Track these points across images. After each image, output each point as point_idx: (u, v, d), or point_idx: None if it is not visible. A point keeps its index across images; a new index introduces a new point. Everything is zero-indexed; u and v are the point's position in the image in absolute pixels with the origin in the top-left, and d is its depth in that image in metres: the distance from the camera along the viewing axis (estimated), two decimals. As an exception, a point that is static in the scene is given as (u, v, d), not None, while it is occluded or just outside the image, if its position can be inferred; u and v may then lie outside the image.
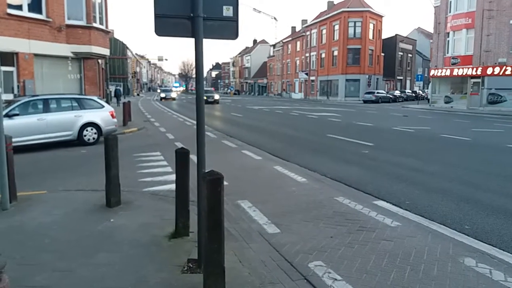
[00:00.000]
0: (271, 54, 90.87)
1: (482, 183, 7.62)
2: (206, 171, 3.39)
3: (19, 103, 11.42)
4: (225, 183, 3.33)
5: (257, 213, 5.71)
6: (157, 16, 3.63)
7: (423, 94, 54.57)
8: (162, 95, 57.48)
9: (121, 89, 50.47)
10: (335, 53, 56.49)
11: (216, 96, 42.80)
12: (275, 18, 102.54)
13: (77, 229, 5.05)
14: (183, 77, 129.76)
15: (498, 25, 31.78)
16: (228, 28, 3.86)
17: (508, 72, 31.11)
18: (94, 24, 18.40)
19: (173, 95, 58.57)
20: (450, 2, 36.29)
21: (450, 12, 36.37)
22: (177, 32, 3.76)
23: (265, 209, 5.89)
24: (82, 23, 17.95)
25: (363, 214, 5.63)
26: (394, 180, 7.83)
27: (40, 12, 16.55)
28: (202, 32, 3.67)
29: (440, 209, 5.95)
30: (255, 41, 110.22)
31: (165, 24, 3.68)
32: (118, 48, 66.47)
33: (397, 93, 54.03)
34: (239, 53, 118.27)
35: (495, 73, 31.81)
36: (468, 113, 29.71)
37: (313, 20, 66.45)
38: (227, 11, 3.81)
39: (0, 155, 5.75)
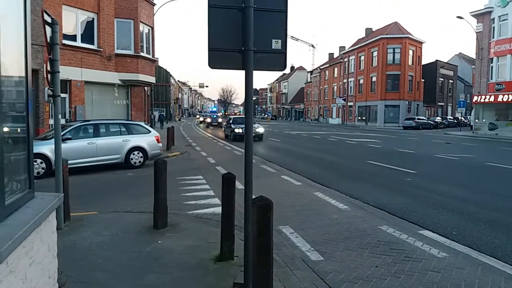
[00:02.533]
0: (309, 80, 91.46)
1: (535, 215, 7.28)
2: (254, 196, 3.50)
3: (71, 127, 12.13)
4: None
5: (299, 240, 5.73)
6: (210, 50, 3.83)
7: (465, 121, 52.81)
8: (208, 120, 53.00)
9: (164, 114, 52.91)
10: (374, 79, 56.12)
11: (260, 130, 26.41)
12: (312, 46, 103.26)
13: (127, 250, 5.26)
14: (222, 102, 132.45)
15: (546, 50, 30.58)
16: (276, 60, 4.02)
17: (558, 98, 29.68)
18: (142, 54, 19.40)
19: (220, 120, 51.63)
20: (493, 27, 35.45)
21: (493, 37, 35.47)
22: (229, 65, 3.96)
23: (307, 235, 5.90)
24: (130, 52, 18.98)
25: (409, 244, 5.52)
26: (440, 209, 7.62)
27: (92, 42, 17.69)
28: (252, 65, 3.85)
29: (489, 240, 5.75)
30: (292, 67, 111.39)
31: (218, 57, 3.88)
32: (162, 76, 69.13)
33: (438, 119, 52.57)
34: (277, 79, 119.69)
35: (544, 99, 30.41)
36: (516, 141, 28.41)
37: (351, 46, 66.62)
38: (276, 44, 3.99)
39: (58, 177, 6.15)
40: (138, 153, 13.05)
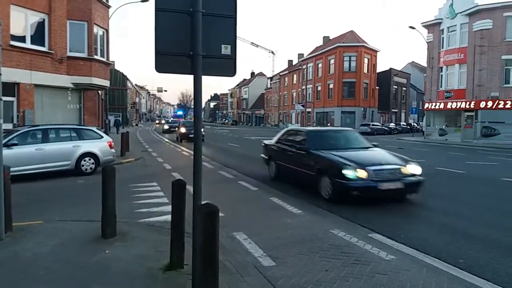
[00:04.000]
0: (269, 86, 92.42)
1: (477, 216, 7.68)
2: (203, 202, 3.45)
3: (18, 133, 11.53)
4: (220, 214, 3.39)
5: (253, 246, 5.71)
6: (158, 53, 3.76)
7: (417, 127, 55.21)
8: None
9: (120, 119, 51.55)
10: (331, 86, 57.58)
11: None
12: (272, 52, 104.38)
13: (72, 260, 5.03)
14: (182, 107, 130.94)
15: (490, 60, 32.63)
16: (226, 66, 4.01)
17: (500, 106, 31.73)
18: (95, 56, 18.81)
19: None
20: (443, 38, 37.39)
21: (442, 47, 37.41)
22: (177, 69, 3.90)
23: (261, 241, 5.89)
24: (84, 55, 18.35)
25: (358, 247, 5.64)
26: (389, 212, 7.86)
27: (42, 44, 16.94)
28: (201, 69, 3.82)
29: (434, 242, 5.97)
30: (252, 73, 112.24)
31: (166, 61, 3.82)
32: (118, 79, 67.38)
33: (392, 125, 54.75)
34: (237, 85, 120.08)
35: (488, 106, 32.40)
36: (463, 146, 30.01)
37: (309, 54, 67.99)
38: (226, 50, 3.98)
39: (-2, 185, 5.79)
40: (89, 159, 12.59)
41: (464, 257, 5.35)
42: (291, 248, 5.63)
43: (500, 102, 31.77)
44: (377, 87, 59.21)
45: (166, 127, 45.54)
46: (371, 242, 5.85)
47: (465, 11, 34.39)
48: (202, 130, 24.71)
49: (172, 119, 50.37)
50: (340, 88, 55.43)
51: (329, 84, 58.17)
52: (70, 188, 10.73)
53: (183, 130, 30.23)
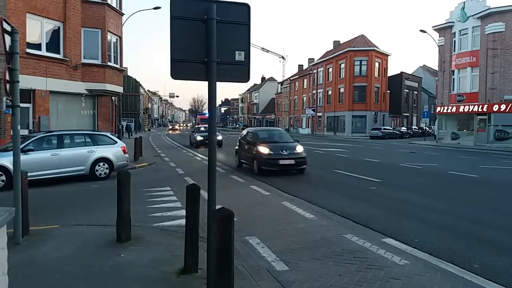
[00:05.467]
0: (279, 91, 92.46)
1: (492, 221, 7.59)
2: (217, 207, 3.50)
3: (33, 138, 11.74)
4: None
5: (266, 250, 5.74)
6: (173, 61, 3.83)
7: (429, 131, 54.68)
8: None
9: (132, 124, 52.25)
10: (342, 90, 57.40)
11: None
12: (283, 57, 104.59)
13: (87, 264, 5.11)
14: (193, 112, 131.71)
15: (502, 63, 32.25)
16: (240, 72, 4.07)
17: (514, 109, 31.27)
18: (109, 63, 19.11)
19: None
20: (455, 41, 37.09)
21: (454, 51, 37.09)
22: (192, 76, 3.97)
23: (274, 246, 5.92)
24: (98, 62, 18.66)
25: (372, 252, 5.63)
26: (402, 217, 7.83)
27: (58, 52, 17.27)
28: (215, 76, 3.88)
29: (449, 247, 5.93)
30: (263, 78, 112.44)
31: (181, 68, 3.88)
32: (131, 85, 68.15)
33: (403, 129, 54.26)
34: (248, 90, 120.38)
35: (501, 110, 31.96)
36: (475, 150, 29.64)
37: (319, 58, 67.97)
38: (239, 56, 4.04)
39: (16, 190, 5.93)
40: (103, 165, 12.77)
41: (479, 262, 5.30)
42: (304, 252, 5.64)
43: (514, 105, 31.34)
44: (388, 91, 58.87)
45: (199, 138, 28.29)
46: (385, 247, 5.83)
47: (477, 14, 34.09)
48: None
49: (202, 126, 32.01)
50: (351, 92, 55.24)
51: (339, 89, 58.00)
52: (85, 192, 10.88)
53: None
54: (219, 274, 3.19)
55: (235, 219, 3.23)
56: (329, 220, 7.56)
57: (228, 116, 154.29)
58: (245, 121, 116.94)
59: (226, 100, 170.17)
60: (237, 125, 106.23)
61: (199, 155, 22.37)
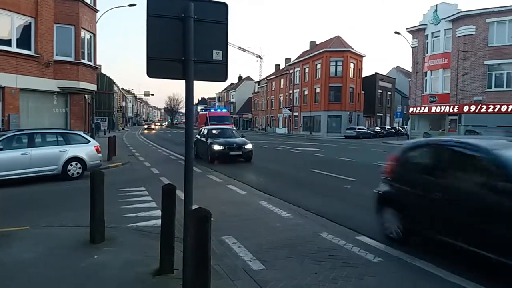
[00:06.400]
0: (256, 90, 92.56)
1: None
2: (194, 207, 3.47)
3: (3, 137, 11.36)
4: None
5: (242, 249, 5.74)
6: (149, 59, 3.78)
7: (402, 131, 55.91)
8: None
9: (106, 123, 51.35)
10: (317, 90, 57.98)
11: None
12: (260, 57, 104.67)
13: (59, 266, 4.99)
14: (169, 111, 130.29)
15: (472, 65, 33.31)
16: (217, 71, 4.06)
17: (483, 110, 32.37)
18: (83, 61, 18.64)
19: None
20: (427, 43, 38.06)
21: (427, 52, 38.06)
22: (169, 74, 3.92)
23: (250, 245, 5.93)
24: (71, 59, 18.17)
25: (347, 250, 5.72)
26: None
27: (29, 48, 16.73)
28: (192, 75, 3.85)
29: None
30: (240, 77, 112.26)
31: (158, 66, 3.83)
32: (105, 83, 66.74)
33: (377, 129, 55.32)
34: (225, 89, 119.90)
35: (471, 110, 33.05)
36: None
37: (296, 59, 68.39)
38: (217, 55, 4.02)
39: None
40: (76, 164, 12.46)
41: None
42: (281, 251, 5.68)
43: (483, 106, 32.43)
44: (363, 92, 59.82)
45: (216, 148, 17.80)
46: (359, 245, 5.93)
47: (448, 17, 35.08)
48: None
49: (215, 128, 21.42)
50: (326, 92, 55.86)
51: (315, 89, 58.58)
52: (56, 193, 10.61)
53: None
54: (196, 274, 3.18)
55: (211, 219, 3.22)
56: (305, 218, 7.63)
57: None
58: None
59: (203, 99, 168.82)
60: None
61: (175, 154, 22.14)
